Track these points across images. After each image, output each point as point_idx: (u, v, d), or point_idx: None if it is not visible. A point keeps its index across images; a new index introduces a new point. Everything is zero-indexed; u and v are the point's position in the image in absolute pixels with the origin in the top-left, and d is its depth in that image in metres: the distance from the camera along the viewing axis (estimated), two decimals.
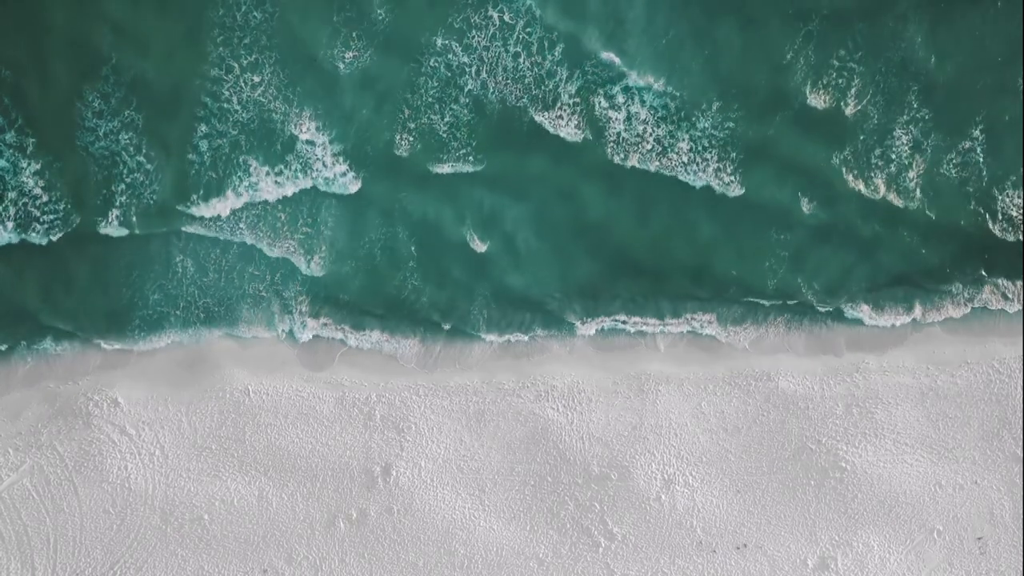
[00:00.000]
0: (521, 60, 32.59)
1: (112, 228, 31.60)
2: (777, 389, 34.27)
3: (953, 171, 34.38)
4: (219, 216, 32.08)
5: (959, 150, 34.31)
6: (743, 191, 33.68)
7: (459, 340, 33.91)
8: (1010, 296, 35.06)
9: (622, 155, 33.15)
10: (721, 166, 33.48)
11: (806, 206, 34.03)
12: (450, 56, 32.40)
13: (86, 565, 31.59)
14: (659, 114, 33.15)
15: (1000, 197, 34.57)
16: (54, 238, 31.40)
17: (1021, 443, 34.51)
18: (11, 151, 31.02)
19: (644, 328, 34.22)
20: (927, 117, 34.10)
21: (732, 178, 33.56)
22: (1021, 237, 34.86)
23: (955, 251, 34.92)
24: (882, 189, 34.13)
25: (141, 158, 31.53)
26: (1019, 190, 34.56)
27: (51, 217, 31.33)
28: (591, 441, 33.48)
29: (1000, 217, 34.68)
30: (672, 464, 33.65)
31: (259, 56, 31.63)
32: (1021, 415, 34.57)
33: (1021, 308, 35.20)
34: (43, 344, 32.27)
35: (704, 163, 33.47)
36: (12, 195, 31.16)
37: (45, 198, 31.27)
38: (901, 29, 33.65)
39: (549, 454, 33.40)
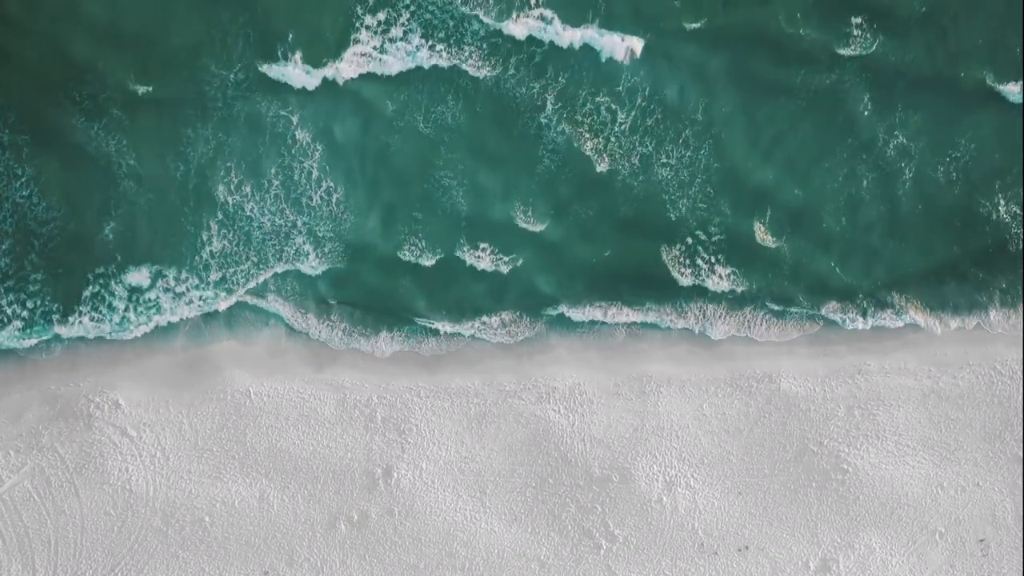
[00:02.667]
0: None
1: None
2: (779, 391, 34.24)
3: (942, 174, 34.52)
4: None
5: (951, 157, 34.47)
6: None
7: (459, 339, 33.95)
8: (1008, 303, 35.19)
9: None
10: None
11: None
12: None
13: (87, 567, 31.58)
14: None
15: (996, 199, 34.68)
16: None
17: (1022, 445, 34.47)
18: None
19: (643, 329, 34.33)
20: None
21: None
22: (1021, 236, 34.85)
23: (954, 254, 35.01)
24: None
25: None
26: (1016, 191, 34.59)
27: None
28: (592, 443, 33.46)
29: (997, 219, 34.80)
30: (674, 466, 33.62)
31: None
32: (1022, 417, 34.53)
33: (1021, 308, 35.17)
34: (43, 345, 32.28)
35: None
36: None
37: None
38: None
39: (550, 456, 33.38)
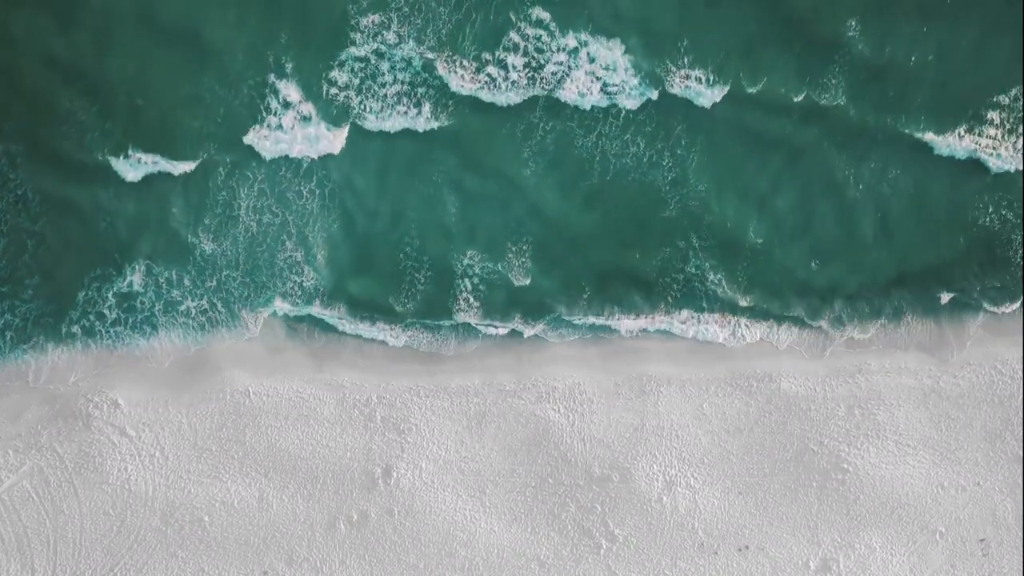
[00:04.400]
0: None
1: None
2: (779, 390, 34.21)
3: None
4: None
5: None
6: None
7: (460, 337, 33.92)
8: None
9: None
10: None
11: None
12: None
13: (86, 567, 31.53)
14: None
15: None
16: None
17: (1023, 444, 34.43)
18: None
19: (644, 331, 34.33)
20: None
21: None
22: (1021, 237, 34.86)
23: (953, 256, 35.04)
24: None
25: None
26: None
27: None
28: (592, 442, 33.42)
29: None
30: (674, 466, 33.59)
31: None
32: (1022, 416, 34.50)
33: (1021, 309, 35.15)
34: (43, 345, 32.27)
35: None
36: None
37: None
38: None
39: (550, 455, 33.34)
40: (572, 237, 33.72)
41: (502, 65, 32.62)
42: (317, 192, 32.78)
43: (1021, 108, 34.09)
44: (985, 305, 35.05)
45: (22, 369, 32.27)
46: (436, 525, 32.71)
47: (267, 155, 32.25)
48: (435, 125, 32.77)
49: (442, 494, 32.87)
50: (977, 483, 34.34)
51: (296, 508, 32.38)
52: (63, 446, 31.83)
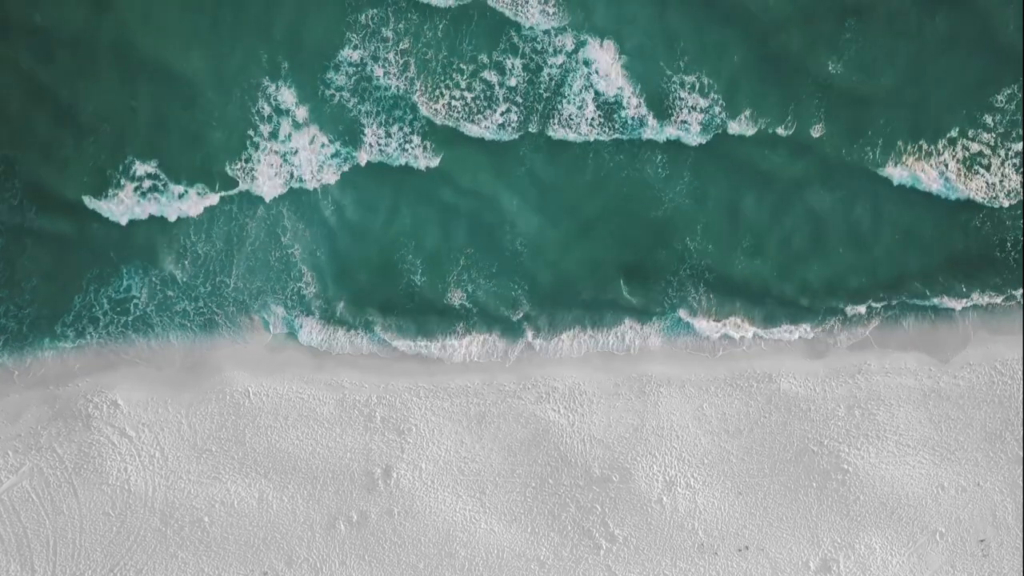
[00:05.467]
0: None
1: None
2: (779, 391, 34.20)
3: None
4: None
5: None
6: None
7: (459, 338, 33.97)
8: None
9: None
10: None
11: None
12: None
13: (86, 567, 31.52)
14: None
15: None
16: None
17: (1023, 445, 34.43)
18: None
19: (647, 334, 34.34)
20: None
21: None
22: (1021, 240, 34.86)
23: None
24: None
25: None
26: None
27: None
28: (592, 443, 33.41)
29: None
30: (673, 466, 33.58)
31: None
32: (1022, 416, 34.49)
33: (1021, 309, 35.14)
34: (43, 346, 32.26)
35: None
36: None
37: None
38: None
39: (550, 456, 33.33)
40: (565, 243, 33.83)
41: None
42: (317, 216, 32.91)
43: (1021, 108, 34.15)
44: (985, 305, 35.02)
45: (21, 369, 32.25)
46: (436, 525, 32.70)
47: (266, 194, 32.34)
48: (433, 163, 32.86)
49: (442, 494, 32.86)
50: (977, 483, 34.33)
51: (296, 508, 32.37)
52: (63, 447, 31.82)
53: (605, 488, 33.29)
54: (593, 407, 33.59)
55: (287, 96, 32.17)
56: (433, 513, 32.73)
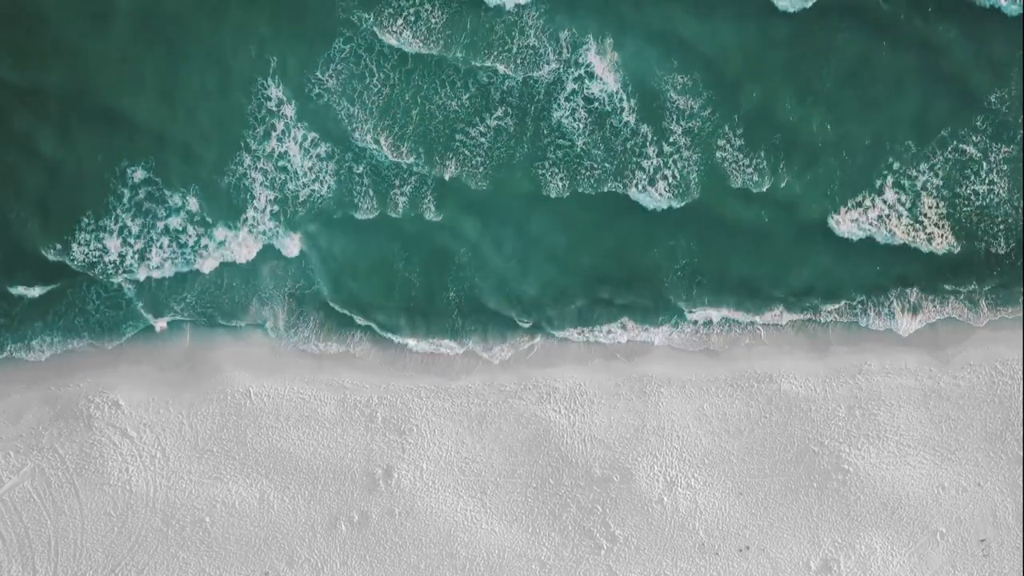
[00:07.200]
0: None
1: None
2: (779, 391, 34.23)
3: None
4: None
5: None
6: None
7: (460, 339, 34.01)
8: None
9: None
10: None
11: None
12: None
13: (87, 568, 31.54)
14: None
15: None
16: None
17: (1023, 444, 34.45)
18: None
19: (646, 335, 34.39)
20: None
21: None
22: (1020, 239, 34.91)
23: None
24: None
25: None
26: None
27: None
28: (593, 443, 33.44)
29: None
30: (674, 466, 33.61)
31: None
32: (1023, 416, 34.52)
33: (1022, 308, 35.17)
34: (41, 346, 32.28)
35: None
36: None
37: None
38: None
39: (551, 456, 33.36)
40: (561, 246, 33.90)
41: None
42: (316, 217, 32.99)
43: (1020, 109, 34.23)
44: (985, 305, 35.07)
45: (21, 370, 32.26)
46: (437, 526, 32.73)
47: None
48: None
49: (443, 495, 32.89)
50: (978, 483, 34.36)
51: (297, 509, 32.40)
52: (64, 447, 31.85)
53: (606, 488, 33.31)
54: (594, 407, 33.62)
55: (278, 93, 32.26)
56: (434, 513, 32.76)
